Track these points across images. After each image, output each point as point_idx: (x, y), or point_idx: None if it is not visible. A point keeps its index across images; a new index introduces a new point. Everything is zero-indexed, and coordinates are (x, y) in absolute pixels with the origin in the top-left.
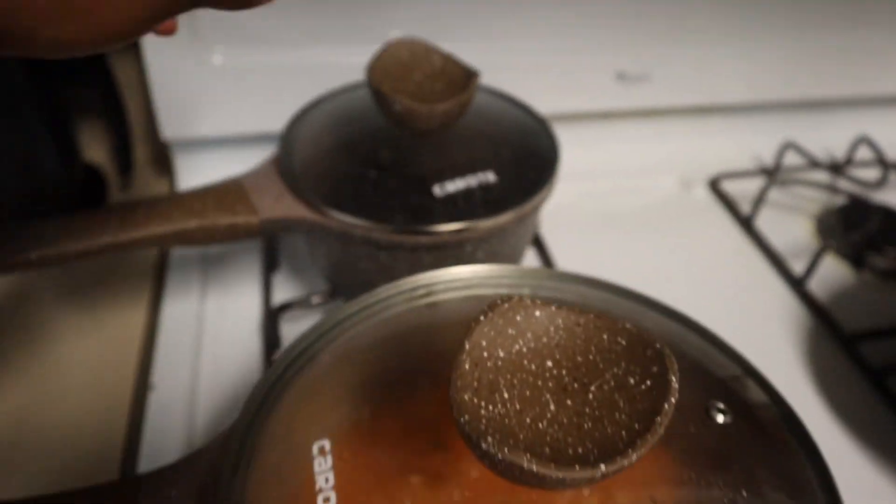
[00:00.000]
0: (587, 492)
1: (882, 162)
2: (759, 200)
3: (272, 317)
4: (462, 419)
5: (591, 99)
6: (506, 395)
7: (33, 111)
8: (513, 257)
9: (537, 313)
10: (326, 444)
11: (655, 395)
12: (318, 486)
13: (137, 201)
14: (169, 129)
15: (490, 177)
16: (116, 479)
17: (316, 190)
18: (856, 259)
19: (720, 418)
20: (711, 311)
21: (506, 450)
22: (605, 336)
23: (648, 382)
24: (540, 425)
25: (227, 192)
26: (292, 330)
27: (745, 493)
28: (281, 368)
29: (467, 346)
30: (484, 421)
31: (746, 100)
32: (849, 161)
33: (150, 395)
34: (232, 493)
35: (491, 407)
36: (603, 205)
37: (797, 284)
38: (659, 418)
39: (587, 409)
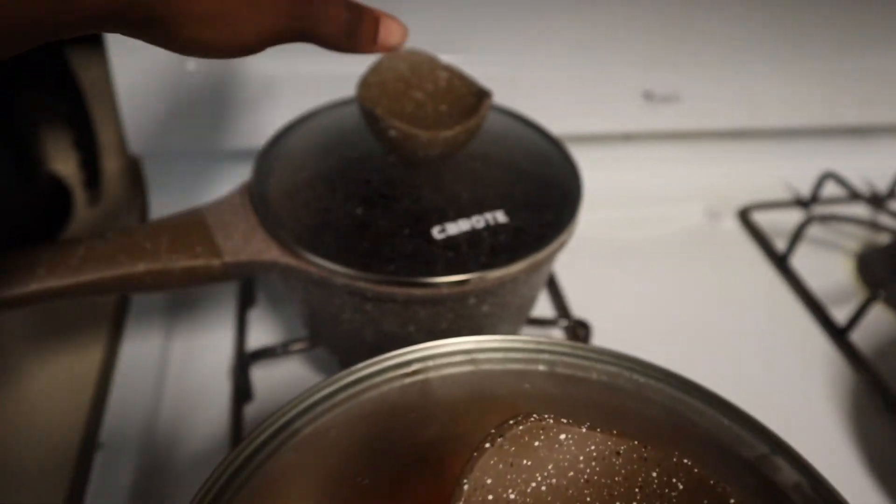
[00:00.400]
0: None
1: None
2: (796, 236)
3: (244, 365)
4: None
5: (614, 119)
6: None
7: None
8: (523, 309)
9: (562, 437)
10: None
11: None
12: None
13: (75, 241)
14: (137, 142)
15: (500, 217)
16: None
17: (293, 227)
18: None
19: None
20: (740, 363)
21: None
22: (654, 474)
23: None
24: None
25: (186, 229)
26: (267, 380)
27: None
28: (241, 459)
29: (466, 487)
30: None
31: (782, 125)
32: (892, 193)
33: (97, 455)
34: None
35: None
36: (623, 236)
37: (839, 335)
38: None
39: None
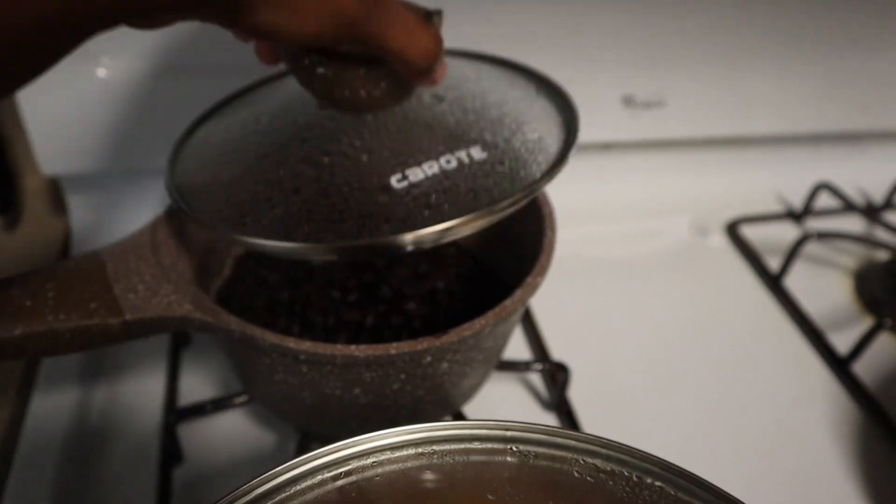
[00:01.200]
0: None
1: None
2: (791, 254)
3: (171, 425)
4: None
5: (592, 127)
6: None
7: None
8: (490, 361)
9: None
10: None
11: None
12: None
13: None
14: (49, 162)
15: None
16: None
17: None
18: None
19: None
20: (733, 398)
21: None
22: None
23: None
24: None
25: (78, 280)
26: (200, 436)
27: None
28: None
29: None
30: None
31: (773, 132)
32: (888, 204)
33: None
34: None
35: None
36: (602, 254)
37: (840, 365)
38: None
39: None
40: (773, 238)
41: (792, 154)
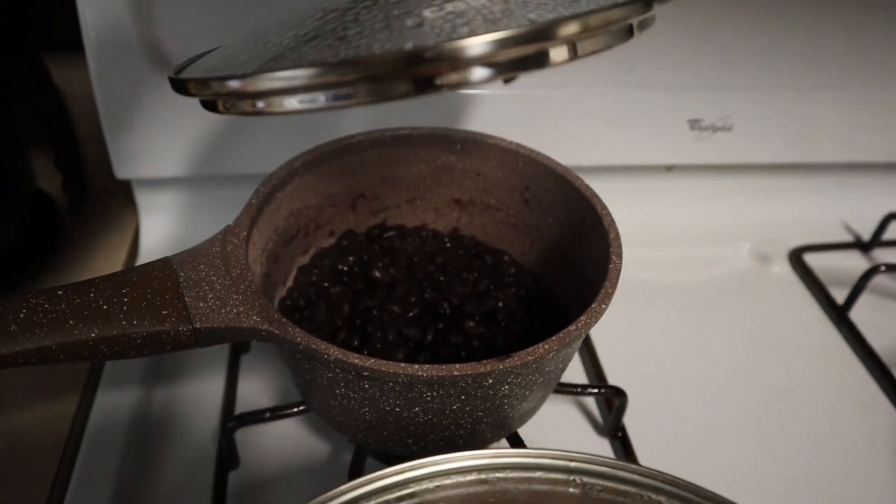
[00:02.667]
0: None
1: None
2: (859, 286)
3: (229, 431)
4: None
5: (656, 149)
6: None
7: None
8: (550, 384)
9: None
10: None
11: None
12: None
13: (21, 297)
14: (123, 167)
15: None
16: None
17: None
18: None
19: None
20: (795, 434)
21: None
22: None
23: None
24: None
25: (151, 286)
26: (256, 443)
27: None
28: None
29: None
30: None
31: (840, 160)
32: None
33: None
34: None
35: None
36: (662, 279)
37: None
38: None
39: None
40: (838, 268)
41: (860, 183)
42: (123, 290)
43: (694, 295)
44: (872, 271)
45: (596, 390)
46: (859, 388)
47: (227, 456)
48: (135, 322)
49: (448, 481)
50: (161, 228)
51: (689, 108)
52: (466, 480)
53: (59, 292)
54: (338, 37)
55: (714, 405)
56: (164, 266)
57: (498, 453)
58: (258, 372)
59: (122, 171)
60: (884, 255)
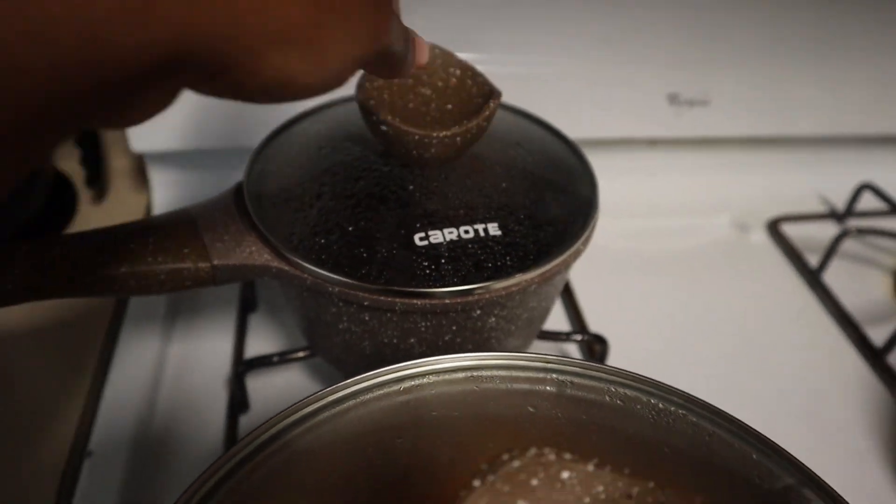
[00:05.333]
0: None
1: None
2: (830, 250)
3: (240, 375)
4: None
5: (637, 124)
6: None
7: None
8: (534, 322)
9: (565, 476)
10: None
11: None
12: None
13: (56, 237)
14: (139, 140)
15: (498, 228)
16: None
17: (286, 231)
18: None
19: None
20: (768, 385)
21: None
22: None
23: None
24: None
25: (174, 230)
26: (264, 389)
27: None
28: (230, 465)
29: None
30: None
31: (817, 132)
32: None
33: (85, 463)
34: None
35: None
36: (645, 247)
37: (876, 357)
38: None
39: None
40: (814, 236)
41: (835, 155)
42: (148, 232)
43: (676, 262)
44: (842, 235)
45: (579, 337)
46: (831, 342)
47: (238, 400)
48: (159, 259)
49: (439, 378)
50: (171, 203)
51: (668, 82)
52: (456, 378)
53: (90, 233)
54: None
55: (693, 357)
56: (182, 213)
57: (483, 355)
58: (265, 328)
59: (138, 144)
60: (857, 224)
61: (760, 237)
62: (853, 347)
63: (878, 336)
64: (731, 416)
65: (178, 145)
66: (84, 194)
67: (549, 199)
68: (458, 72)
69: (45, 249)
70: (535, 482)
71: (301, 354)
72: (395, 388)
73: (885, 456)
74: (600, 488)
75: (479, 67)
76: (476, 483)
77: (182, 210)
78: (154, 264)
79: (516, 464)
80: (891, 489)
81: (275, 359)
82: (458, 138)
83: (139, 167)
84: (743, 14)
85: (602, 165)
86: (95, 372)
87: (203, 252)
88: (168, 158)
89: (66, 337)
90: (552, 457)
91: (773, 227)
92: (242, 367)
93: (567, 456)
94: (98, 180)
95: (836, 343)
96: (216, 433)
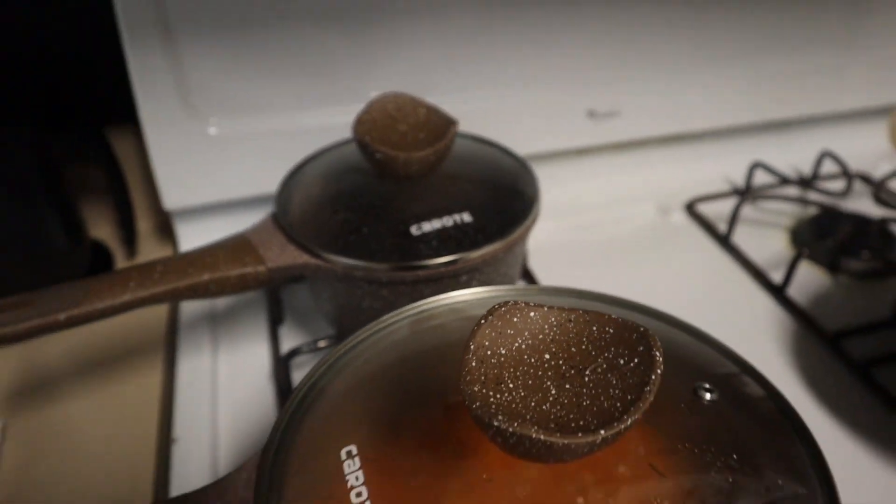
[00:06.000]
0: (595, 466)
1: (846, 173)
2: (734, 218)
3: (282, 363)
4: (474, 405)
5: (566, 137)
6: (510, 385)
7: (41, 190)
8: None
9: (532, 314)
10: (353, 448)
11: (643, 369)
12: (349, 485)
13: (154, 261)
14: (170, 199)
15: (470, 216)
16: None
17: (314, 238)
18: (831, 264)
19: (707, 396)
20: (697, 324)
21: (515, 424)
22: (594, 328)
23: (636, 360)
24: (544, 406)
25: (235, 246)
26: (303, 374)
27: (737, 463)
28: (302, 393)
29: (472, 346)
30: (493, 406)
31: (714, 125)
32: (815, 175)
33: (173, 447)
34: (272, 500)
35: (498, 395)
36: (587, 236)
37: (777, 292)
38: (648, 387)
39: (584, 390)
40: (723, 211)
41: (732, 143)
42: (218, 250)
43: (613, 245)
44: (740, 204)
45: None
46: (744, 288)
47: (284, 387)
48: (230, 267)
49: (452, 307)
50: None
51: (586, 101)
52: (461, 306)
53: (178, 256)
54: None
55: None
56: (239, 236)
57: (475, 291)
58: (293, 338)
59: (169, 202)
60: (756, 197)
61: (680, 217)
62: (761, 288)
63: (779, 277)
64: (679, 319)
65: (203, 200)
66: (118, 255)
67: (503, 195)
68: (424, 110)
69: (150, 269)
70: (515, 318)
71: (329, 342)
72: (420, 317)
73: (789, 362)
74: (552, 318)
75: (440, 105)
76: (482, 321)
77: (237, 234)
78: (227, 270)
79: (503, 309)
80: (797, 383)
81: (307, 346)
82: (432, 156)
83: (162, 226)
84: (640, 39)
85: (543, 175)
86: (164, 382)
87: (259, 259)
88: (191, 213)
89: (135, 351)
90: (523, 304)
91: (690, 208)
92: (283, 358)
93: (531, 303)
94: (132, 240)
95: (747, 287)
96: (271, 413)
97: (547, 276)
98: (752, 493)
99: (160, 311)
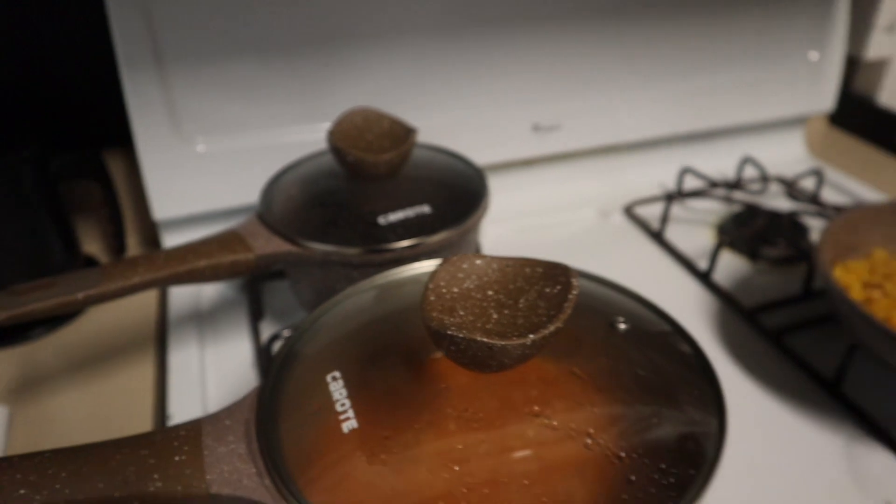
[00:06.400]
0: (528, 374)
1: (764, 176)
2: (665, 217)
3: (264, 350)
4: (431, 324)
5: (514, 149)
6: (461, 313)
7: (41, 207)
8: None
9: (478, 262)
10: (337, 373)
11: (564, 292)
12: (334, 398)
13: (158, 251)
14: (160, 210)
15: (429, 208)
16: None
17: (296, 230)
18: (752, 252)
19: (622, 327)
20: None
21: (464, 332)
22: (527, 269)
23: (559, 287)
24: (487, 326)
25: (227, 238)
26: None
27: (644, 372)
28: (291, 341)
29: (430, 286)
30: (447, 325)
31: (647, 136)
32: (739, 178)
33: (168, 422)
34: (269, 419)
35: (451, 319)
36: (535, 238)
37: (704, 277)
38: (567, 302)
39: (519, 313)
40: (658, 213)
41: (665, 151)
42: (212, 241)
43: (559, 246)
44: (670, 202)
45: None
46: (675, 276)
47: (267, 367)
48: (223, 254)
49: (414, 275)
50: None
51: (531, 116)
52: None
53: (178, 246)
54: None
55: None
56: (230, 230)
57: (436, 261)
58: (272, 326)
59: (159, 213)
60: (686, 198)
61: (619, 219)
62: (690, 275)
63: (705, 265)
64: (621, 284)
65: (189, 211)
66: None
67: (457, 192)
68: (387, 121)
69: (155, 256)
70: (465, 265)
71: None
72: (388, 281)
73: (714, 335)
74: (494, 265)
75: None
76: (438, 267)
77: (228, 229)
78: (220, 258)
79: (454, 258)
80: (720, 351)
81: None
82: (396, 158)
83: (146, 241)
84: (579, 59)
85: (494, 183)
86: (157, 370)
87: (248, 248)
88: (177, 223)
89: (128, 338)
90: (470, 255)
91: (628, 211)
92: (265, 345)
93: (477, 254)
94: (122, 250)
95: (678, 275)
96: None
97: None
98: (651, 403)
99: (149, 311)
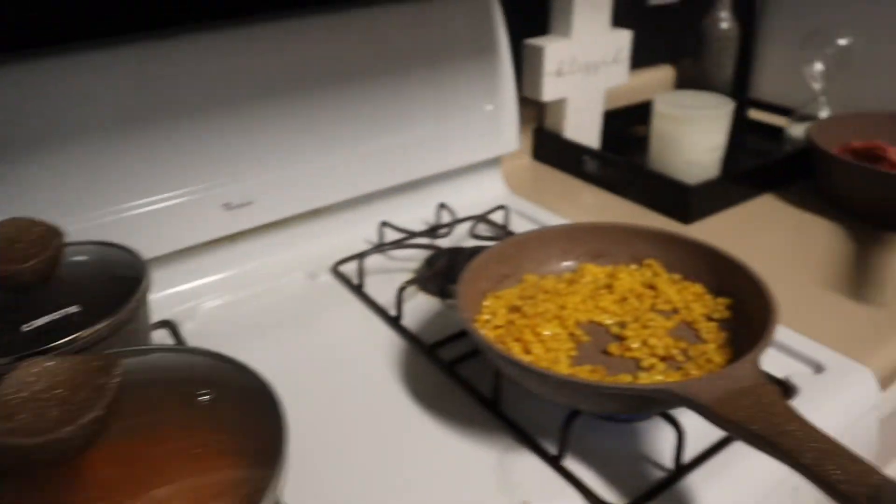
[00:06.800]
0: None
1: (455, 219)
2: (360, 272)
3: None
4: None
5: (207, 230)
6: (22, 416)
7: None
8: None
9: (48, 364)
10: None
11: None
12: None
13: None
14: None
15: (78, 307)
16: None
17: None
18: (441, 292)
19: (206, 398)
20: (331, 364)
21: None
22: (92, 363)
23: (110, 377)
24: (39, 425)
25: None
26: None
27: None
28: None
29: None
30: None
31: (348, 196)
32: (436, 223)
33: None
34: None
35: (5, 425)
36: (247, 309)
37: (394, 322)
38: (107, 391)
39: (75, 407)
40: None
41: (366, 208)
42: None
43: (269, 314)
44: (363, 260)
45: None
46: (371, 325)
47: None
48: None
49: None
50: None
51: (221, 197)
52: None
53: None
54: None
55: (291, 368)
56: None
57: None
58: None
59: None
60: (386, 250)
61: (327, 278)
62: (384, 322)
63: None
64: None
65: None
66: None
67: (113, 285)
68: (39, 228)
69: None
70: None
71: None
72: None
73: (397, 372)
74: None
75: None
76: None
77: None
78: None
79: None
80: (401, 389)
81: None
82: (40, 265)
83: None
84: (265, 134)
85: (196, 265)
86: None
87: None
88: None
89: None
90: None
91: (335, 269)
92: None
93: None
94: None
95: (374, 324)
96: None
97: (216, 342)
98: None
99: None
